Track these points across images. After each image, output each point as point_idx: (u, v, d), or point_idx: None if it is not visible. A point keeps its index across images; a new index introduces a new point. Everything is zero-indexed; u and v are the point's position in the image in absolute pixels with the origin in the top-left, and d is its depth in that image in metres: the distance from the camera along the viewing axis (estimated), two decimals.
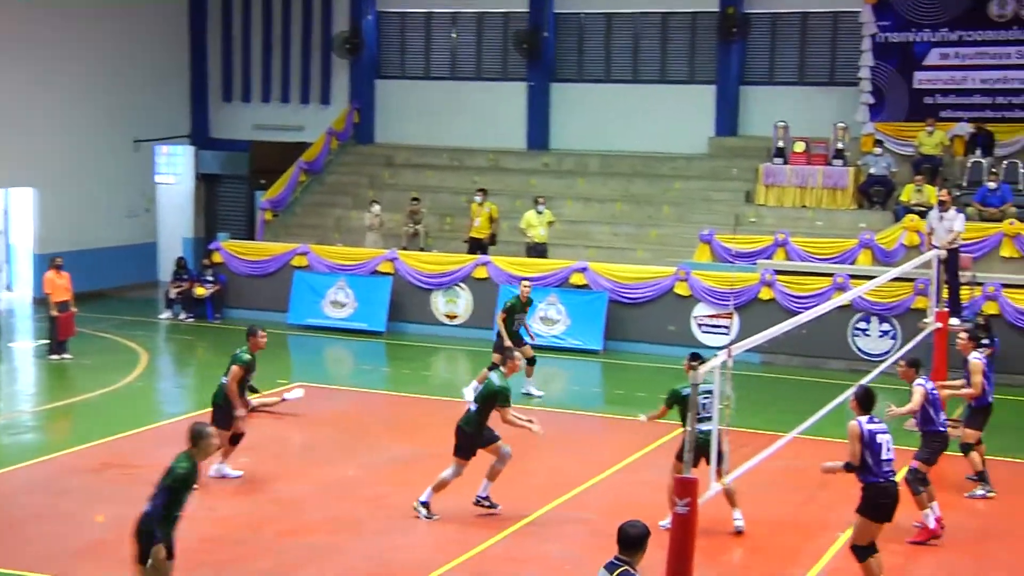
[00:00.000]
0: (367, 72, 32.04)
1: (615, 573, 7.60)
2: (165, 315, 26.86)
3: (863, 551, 10.88)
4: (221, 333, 25.39)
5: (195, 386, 21.48)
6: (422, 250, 26.54)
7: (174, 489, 9.30)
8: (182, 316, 26.59)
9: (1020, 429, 18.37)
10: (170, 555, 9.21)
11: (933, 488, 13.25)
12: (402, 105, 31.86)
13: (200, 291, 26.60)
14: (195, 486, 9.66)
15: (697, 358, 12.55)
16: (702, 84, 29.12)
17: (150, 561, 9.11)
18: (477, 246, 25.95)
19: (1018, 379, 21.08)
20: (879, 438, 10.91)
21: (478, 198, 25.95)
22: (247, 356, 14.84)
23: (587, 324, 23.84)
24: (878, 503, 10.90)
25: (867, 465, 10.88)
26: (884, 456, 10.91)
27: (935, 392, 13.37)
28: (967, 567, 12.57)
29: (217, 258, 27.10)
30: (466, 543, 12.67)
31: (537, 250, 25.28)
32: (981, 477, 14.84)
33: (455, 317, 25.26)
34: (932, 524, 12.84)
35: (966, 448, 14.92)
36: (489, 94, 31.13)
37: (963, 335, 15.84)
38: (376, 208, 27.13)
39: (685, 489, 9.83)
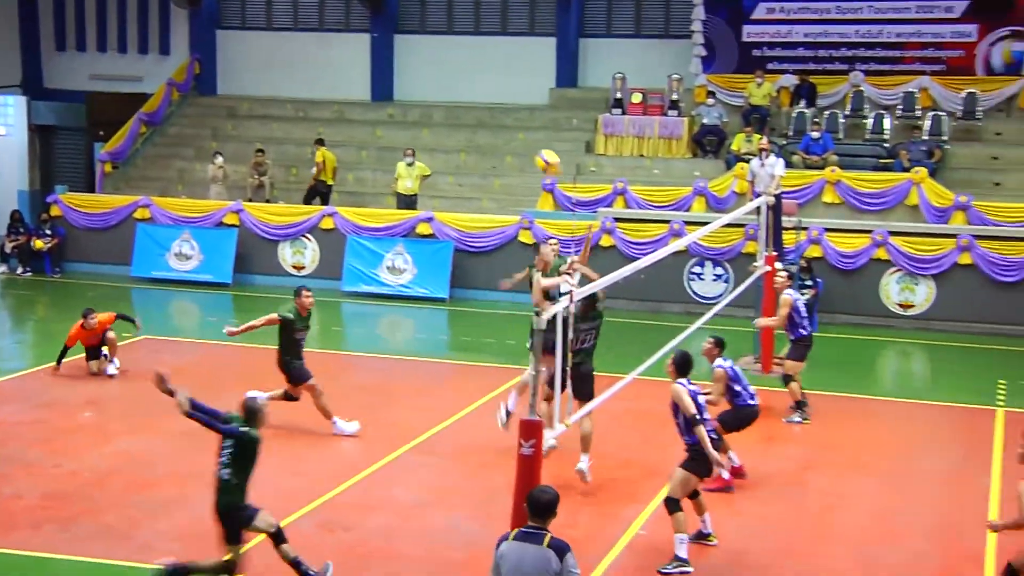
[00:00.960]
0: (207, 22, 31.15)
1: (545, 543, 7.43)
2: (1, 269, 25.86)
3: (675, 504, 10.83)
4: (60, 287, 24.63)
5: (35, 342, 20.75)
6: (268, 201, 26.08)
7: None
8: (19, 271, 25.65)
9: (840, 364, 19.04)
10: None
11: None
12: (244, 56, 31.11)
13: (38, 244, 25.71)
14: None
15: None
16: (542, 36, 29.18)
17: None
18: (315, 193, 25.65)
19: (839, 318, 21.86)
20: (699, 399, 11.12)
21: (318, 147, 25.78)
22: (289, 314, 14.73)
23: (433, 273, 23.79)
24: (702, 459, 10.96)
25: (689, 425, 11.06)
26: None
27: (734, 369, 13.16)
28: (791, 495, 12.99)
29: (55, 211, 26.20)
30: (313, 492, 12.56)
31: (405, 202, 25.03)
32: (799, 406, 15.44)
33: (302, 268, 24.93)
34: (726, 476, 12.82)
35: (787, 379, 15.55)
36: (332, 45, 30.64)
37: (782, 274, 16.51)
38: (220, 160, 26.51)
39: (530, 431, 9.88)
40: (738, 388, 12.90)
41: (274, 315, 14.55)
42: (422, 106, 29.53)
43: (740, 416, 13.00)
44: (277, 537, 10.09)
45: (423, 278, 23.85)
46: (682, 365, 11.25)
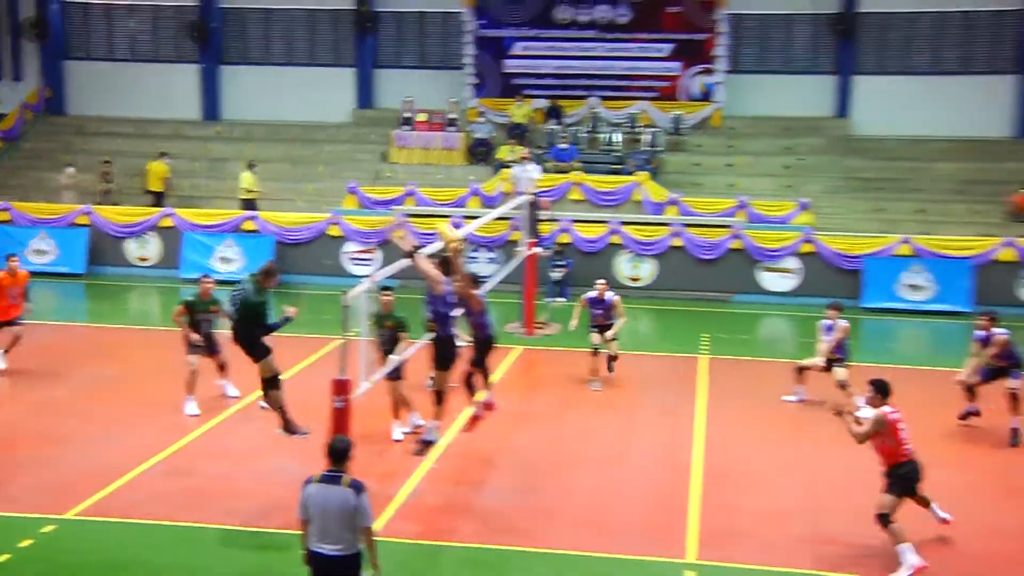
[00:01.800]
0: (56, 53, 29.34)
1: (345, 483, 7.32)
2: None
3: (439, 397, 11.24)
4: None
5: None
6: (114, 204, 24.84)
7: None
8: None
9: (586, 327, 19.52)
10: None
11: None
12: (91, 82, 29.44)
13: None
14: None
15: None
16: (344, 67, 28.75)
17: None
18: (155, 198, 24.77)
19: (584, 290, 22.25)
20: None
21: (167, 160, 24.74)
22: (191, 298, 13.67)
23: (259, 261, 23.03)
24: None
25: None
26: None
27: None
28: (552, 429, 13.31)
29: None
30: (161, 444, 12.14)
31: (249, 204, 24.23)
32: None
33: (146, 259, 23.87)
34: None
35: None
36: (166, 74, 29.31)
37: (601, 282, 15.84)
38: (71, 170, 25.09)
39: (341, 388, 9.83)
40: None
41: (179, 305, 13.67)
42: (246, 124, 28.65)
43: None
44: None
45: (251, 266, 23.18)
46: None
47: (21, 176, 27.01)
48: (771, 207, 23.32)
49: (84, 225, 23.81)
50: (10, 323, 15.29)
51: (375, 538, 7.48)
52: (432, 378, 11.75)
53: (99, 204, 24.48)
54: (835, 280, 21.62)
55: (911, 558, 9.31)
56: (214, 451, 12.14)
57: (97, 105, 29.32)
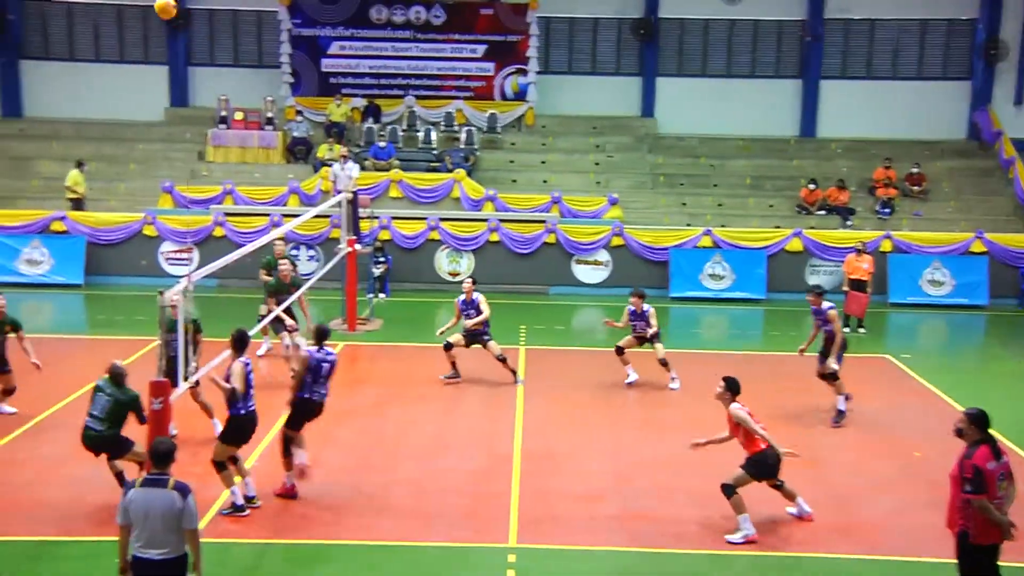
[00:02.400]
0: None
1: (170, 486, 7.07)
2: None
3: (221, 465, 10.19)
4: None
5: None
6: None
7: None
8: None
9: (407, 321, 19.53)
10: None
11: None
12: None
13: None
14: None
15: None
16: (156, 64, 27.55)
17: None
18: None
19: (405, 285, 22.33)
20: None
21: None
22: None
23: (69, 263, 21.96)
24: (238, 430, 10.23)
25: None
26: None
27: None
28: (370, 424, 13.22)
29: None
30: None
31: (78, 203, 22.88)
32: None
33: None
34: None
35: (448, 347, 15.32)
36: None
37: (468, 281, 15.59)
38: None
39: (160, 390, 9.45)
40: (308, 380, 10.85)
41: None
42: (51, 122, 27.01)
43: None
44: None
45: (61, 268, 21.96)
46: (237, 341, 10.21)
47: None
48: (583, 202, 23.93)
49: None
50: None
51: (200, 540, 7.25)
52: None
53: None
54: (643, 271, 22.41)
55: (748, 527, 9.86)
56: (23, 459, 11.43)
57: None
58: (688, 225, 23.57)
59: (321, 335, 10.97)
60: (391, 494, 10.83)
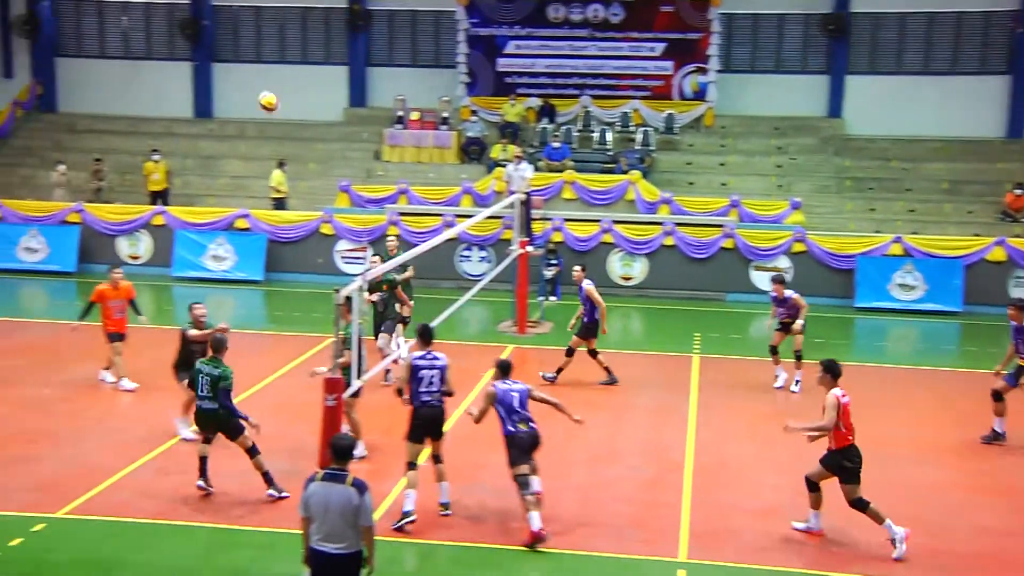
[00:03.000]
0: (47, 50, 29.26)
1: (348, 482, 7.30)
2: None
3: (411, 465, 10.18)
4: None
5: None
6: (106, 202, 24.76)
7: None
8: None
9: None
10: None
11: None
12: (82, 79, 29.37)
13: None
14: None
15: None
16: (336, 65, 28.70)
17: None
18: (157, 196, 24.53)
19: (575, 288, 22.25)
20: (421, 372, 10.22)
21: (156, 156, 24.56)
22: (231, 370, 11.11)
23: (250, 260, 23.15)
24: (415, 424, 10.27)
25: (416, 393, 10.25)
26: (423, 387, 10.21)
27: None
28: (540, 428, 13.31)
29: None
30: (153, 443, 12.09)
31: (279, 203, 23.97)
32: (609, 373, 15.24)
33: (138, 257, 23.79)
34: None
35: (592, 353, 15.21)
36: (159, 71, 29.26)
37: (577, 267, 15.98)
38: (62, 167, 25.01)
39: (333, 386, 9.80)
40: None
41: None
42: (238, 122, 28.57)
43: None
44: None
45: (242, 264, 23.18)
46: (423, 334, 10.41)
47: (11, 174, 26.89)
48: (763, 206, 23.34)
49: (75, 223, 23.71)
50: (119, 336, 14.45)
51: (374, 537, 7.47)
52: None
53: (90, 202, 24.39)
54: (827, 279, 21.65)
55: (896, 531, 9.60)
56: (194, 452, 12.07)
57: (88, 102, 29.23)
58: (877, 232, 22.61)
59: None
60: (559, 501, 10.83)
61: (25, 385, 14.42)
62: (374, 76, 28.69)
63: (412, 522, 10.00)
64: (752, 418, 13.72)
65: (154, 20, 29.39)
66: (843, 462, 9.69)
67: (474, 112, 26.90)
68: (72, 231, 23.61)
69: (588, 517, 10.46)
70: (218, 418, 10.63)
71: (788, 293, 15.03)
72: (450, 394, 10.44)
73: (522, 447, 10.04)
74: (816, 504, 10.05)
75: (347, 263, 23.14)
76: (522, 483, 9.90)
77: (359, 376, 10.73)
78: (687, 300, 21.78)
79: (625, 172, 24.22)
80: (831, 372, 9.80)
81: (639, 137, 25.77)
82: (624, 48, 26.70)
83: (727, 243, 22.14)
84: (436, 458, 10.41)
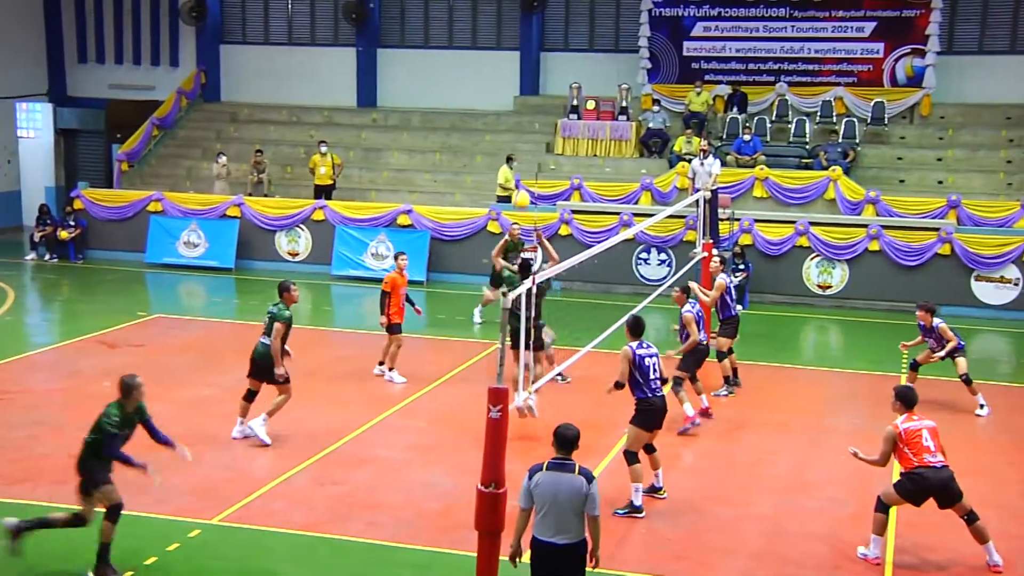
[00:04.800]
0: (212, 37, 30.97)
1: (576, 471, 7.75)
2: (30, 256, 25.67)
3: (633, 456, 10.98)
4: (83, 272, 24.48)
5: (61, 319, 20.63)
6: (266, 196, 25.95)
7: (98, 439, 9.24)
8: (47, 257, 25.46)
9: (767, 337, 19.21)
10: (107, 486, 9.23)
11: (700, 385, 13.88)
12: (245, 67, 30.98)
13: (63, 234, 25.53)
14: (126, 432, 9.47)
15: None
16: (508, 50, 29.16)
17: (96, 494, 9.17)
18: (322, 192, 25.54)
19: (767, 297, 22.00)
20: (647, 361, 11.02)
21: (323, 148, 25.60)
22: (287, 312, 12.56)
23: (412, 258, 23.68)
24: (647, 415, 11.06)
25: (637, 383, 11.01)
26: (652, 376, 10.99)
27: (700, 313, 13.86)
28: (720, 450, 13.13)
29: (78, 204, 25.99)
30: (309, 451, 12.59)
31: (505, 200, 24.09)
32: (727, 380, 15.39)
33: (297, 254, 24.84)
34: (690, 413, 13.44)
35: (720, 355, 15.45)
36: (323, 58, 30.54)
37: (716, 259, 16.40)
38: (223, 159, 26.37)
39: (498, 397, 9.92)
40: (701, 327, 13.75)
41: (280, 326, 12.49)
42: (402, 111, 29.44)
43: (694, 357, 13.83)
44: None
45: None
46: (634, 327, 11.24)
47: (176, 165, 28.60)
48: (988, 208, 22.28)
49: (235, 217, 24.95)
50: (398, 327, 15.41)
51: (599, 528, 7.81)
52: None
53: (250, 195, 25.61)
54: None
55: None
56: (363, 459, 12.49)
57: (250, 91, 30.77)
58: None
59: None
60: (741, 531, 10.66)
61: (184, 386, 15.28)
62: (548, 62, 28.99)
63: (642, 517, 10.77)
64: (967, 446, 13.09)
65: (319, 4, 30.65)
66: (907, 484, 9.94)
67: (656, 101, 26.77)
68: (232, 225, 24.85)
69: (774, 552, 10.24)
70: (266, 357, 11.63)
71: (936, 322, 14.80)
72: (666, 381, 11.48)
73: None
74: (879, 530, 10.07)
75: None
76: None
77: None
78: (894, 313, 21.04)
79: (825, 168, 23.60)
80: (901, 399, 10.20)
81: (842, 128, 25.09)
82: (827, 28, 26.04)
83: (943, 249, 21.25)
84: (650, 447, 11.25)
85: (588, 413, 14.40)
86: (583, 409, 14.51)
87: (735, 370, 15.54)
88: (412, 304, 15.79)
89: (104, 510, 9.17)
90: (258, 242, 24.91)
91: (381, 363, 15.65)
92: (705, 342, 13.97)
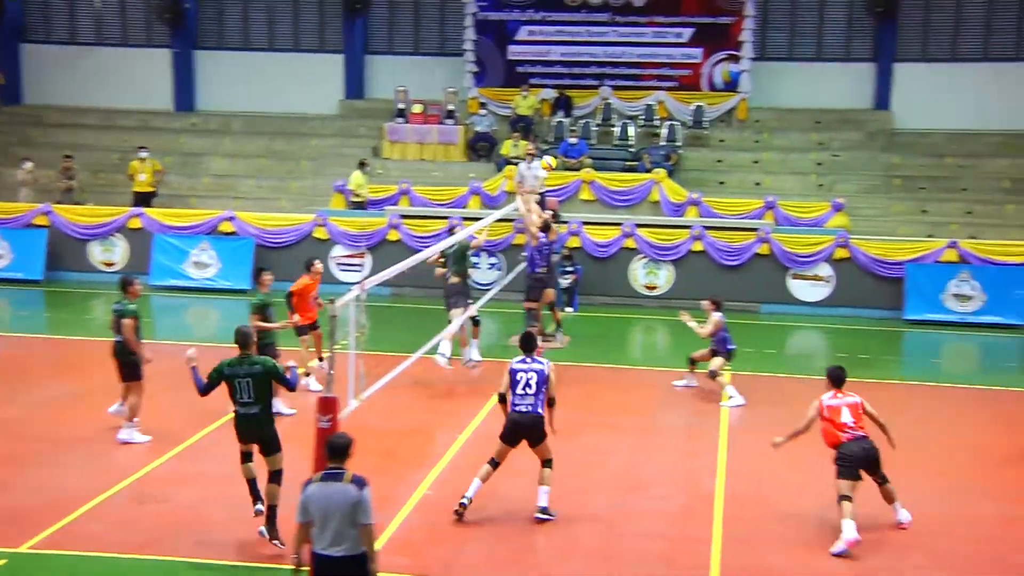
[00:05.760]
0: (11, 36, 29.49)
1: (347, 480, 7.61)
2: None
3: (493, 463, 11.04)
4: None
5: None
6: (77, 203, 24.86)
7: None
8: None
9: (596, 339, 19.55)
10: None
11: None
12: (50, 68, 29.61)
13: None
14: None
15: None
16: (331, 53, 28.85)
17: None
18: (141, 199, 24.64)
19: (596, 299, 22.34)
20: (519, 375, 10.92)
21: (143, 154, 24.73)
22: (132, 306, 13.04)
23: (236, 267, 23.19)
24: (505, 427, 11.03)
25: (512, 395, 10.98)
26: (518, 390, 10.89)
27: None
28: (554, 452, 13.28)
29: None
30: (128, 468, 12.11)
31: (359, 206, 23.97)
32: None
33: (112, 264, 23.88)
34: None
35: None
36: (136, 59, 29.48)
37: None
38: (28, 165, 25.16)
39: (327, 407, 9.80)
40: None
41: (129, 321, 12.92)
42: (223, 115, 28.72)
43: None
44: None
45: (227, 271, 23.23)
46: (522, 342, 11.33)
47: None
48: (802, 208, 23.31)
49: (43, 226, 23.81)
50: (312, 326, 15.60)
51: (374, 537, 7.68)
52: None
53: (59, 203, 24.49)
54: (873, 289, 21.59)
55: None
56: (187, 476, 12.09)
57: (56, 93, 29.43)
58: (929, 236, 22.55)
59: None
60: (577, 533, 10.80)
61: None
62: (373, 65, 28.83)
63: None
64: (791, 443, 13.63)
65: (130, 3, 29.59)
66: (836, 459, 10.72)
67: (483, 105, 26.96)
68: (39, 235, 23.71)
69: (610, 551, 10.42)
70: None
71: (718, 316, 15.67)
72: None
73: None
74: (888, 498, 10.98)
75: (344, 270, 23.17)
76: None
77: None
78: None
79: (649, 171, 24.21)
80: (829, 377, 11.13)
81: (664, 132, 25.80)
82: (648, 34, 26.76)
83: (762, 249, 22.10)
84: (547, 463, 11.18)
85: (421, 418, 14.35)
86: (416, 414, 14.46)
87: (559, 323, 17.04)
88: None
89: None
90: (69, 252, 23.84)
91: (321, 359, 15.27)
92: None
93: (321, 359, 15.44)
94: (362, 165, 24.33)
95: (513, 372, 11.01)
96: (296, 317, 15.27)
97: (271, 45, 29.32)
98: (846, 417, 10.75)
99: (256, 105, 28.74)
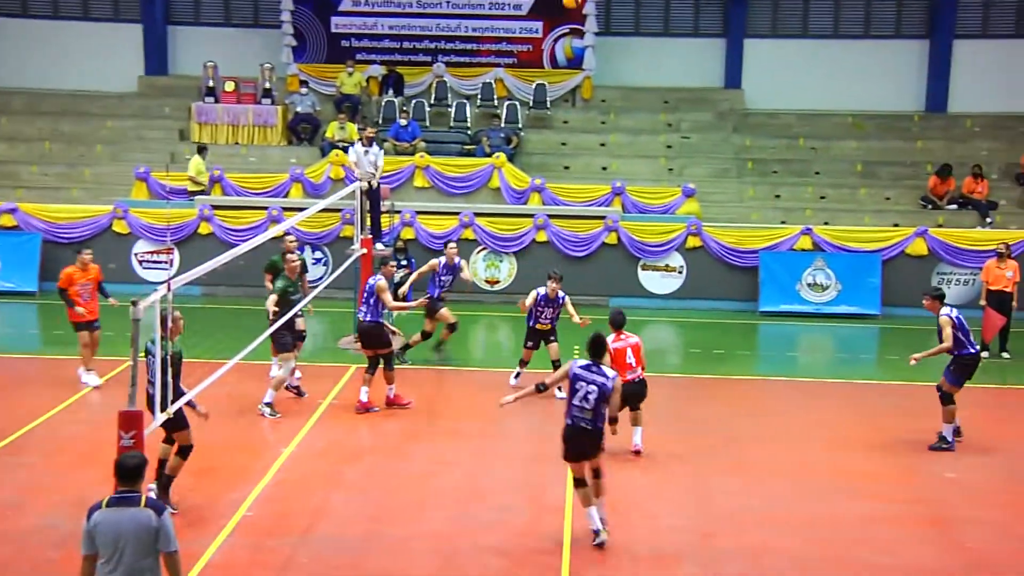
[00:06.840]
0: None
1: (142, 503, 7.27)
2: None
3: (578, 482, 10.97)
4: None
5: None
6: None
7: None
8: None
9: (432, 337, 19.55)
10: None
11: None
12: None
13: None
14: None
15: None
16: (128, 23, 28.07)
17: None
18: None
19: (424, 294, 22.26)
20: (578, 384, 10.66)
21: None
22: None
23: (20, 266, 22.26)
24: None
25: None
26: (576, 401, 10.69)
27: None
28: (388, 465, 13.22)
29: None
30: None
31: (200, 195, 23.28)
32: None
33: None
34: None
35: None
36: None
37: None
38: None
39: (130, 422, 9.49)
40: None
41: None
42: (1, 92, 27.51)
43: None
44: None
45: (9, 272, 22.27)
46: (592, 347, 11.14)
47: None
48: (651, 194, 23.83)
49: None
50: (89, 325, 15.90)
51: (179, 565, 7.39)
52: None
53: None
54: (726, 280, 22.28)
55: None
56: None
57: None
58: (783, 223, 23.39)
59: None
60: (413, 551, 10.76)
61: None
62: (177, 37, 28.15)
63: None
64: (648, 447, 13.92)
65: None
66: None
67: (304, 83, 26.60)
68: None
69: (448, 570, 10.42)
70: None
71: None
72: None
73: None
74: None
75: (147, 269, 22.57)
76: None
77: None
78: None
79: (488, 155, 24.36)
80: (611, 322, 13.21)
81: (504, 113, 25.99)
82: (484, 5, 26.91)
83: (610, 238, 22.51)
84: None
85: (241, 432, 14.07)
86: (235, 428, 14.16)
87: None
88: (107, 296, 16.10)
89: None
90: None
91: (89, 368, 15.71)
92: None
93: (89, 368, 15.75)
94: (201, 150, 23.91)
95: (574, 378, 10.68)
96: (80, 310, 15.62)
97: (56, 12, 28.25)
98: (630, 358, 13.04)
99: (39, 81, 27.67)
